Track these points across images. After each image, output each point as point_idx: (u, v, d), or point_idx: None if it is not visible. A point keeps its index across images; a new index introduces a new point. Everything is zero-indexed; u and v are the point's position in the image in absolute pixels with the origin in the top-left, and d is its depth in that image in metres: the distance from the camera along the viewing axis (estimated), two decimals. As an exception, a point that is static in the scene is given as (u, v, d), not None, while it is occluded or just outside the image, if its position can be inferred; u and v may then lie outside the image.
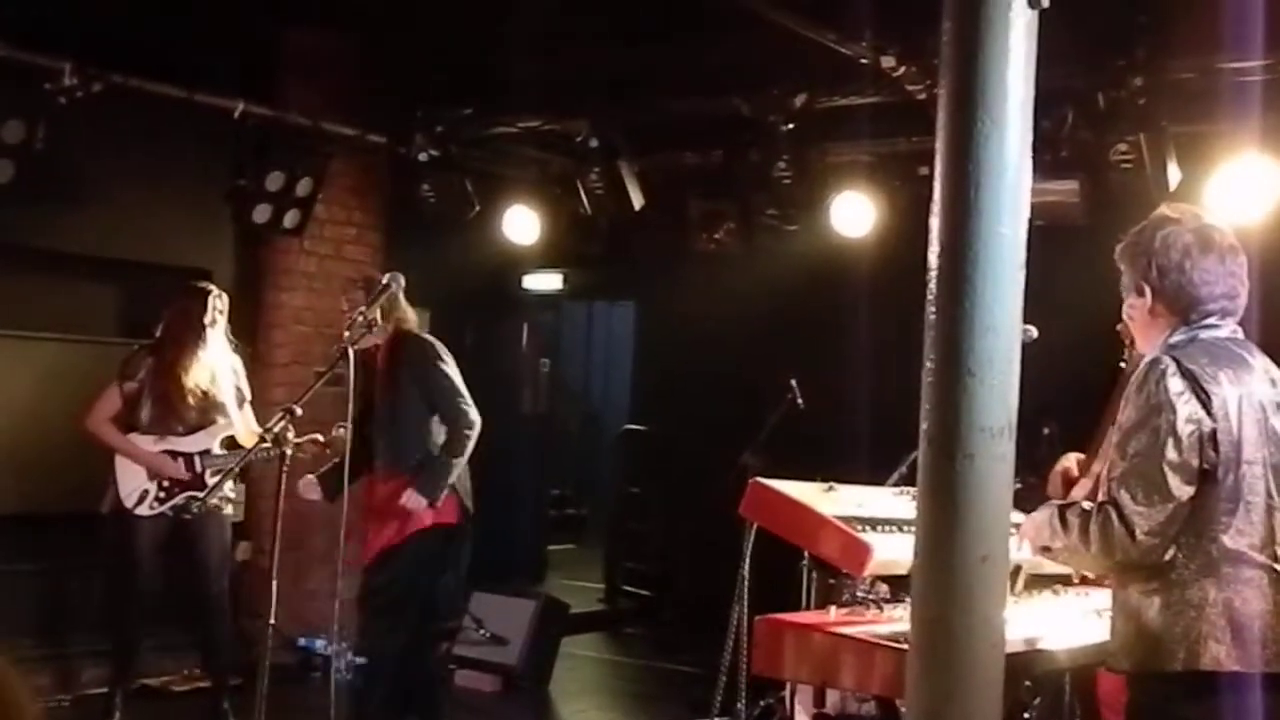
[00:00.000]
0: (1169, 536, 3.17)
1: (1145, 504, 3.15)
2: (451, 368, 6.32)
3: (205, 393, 6.79)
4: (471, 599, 8.54)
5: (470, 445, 6.23)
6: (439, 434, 6.22)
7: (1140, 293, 3.50)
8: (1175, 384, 3.23)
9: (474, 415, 6.25)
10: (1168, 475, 3.16)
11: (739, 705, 5.58)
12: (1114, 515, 3.17)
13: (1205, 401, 3.22)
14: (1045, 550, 3.40)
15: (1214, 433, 3.21)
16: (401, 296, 6.13)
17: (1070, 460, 5.33)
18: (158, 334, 6.84)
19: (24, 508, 7.51)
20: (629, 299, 13.76)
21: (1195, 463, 3.19)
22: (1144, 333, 3.58)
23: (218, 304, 6.87)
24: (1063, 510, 3.35)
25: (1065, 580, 4.39)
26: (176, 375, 6.73)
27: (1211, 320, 3.41)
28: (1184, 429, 3.18)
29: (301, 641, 8.18)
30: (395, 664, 6.31)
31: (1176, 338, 3.41)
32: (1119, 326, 5.08)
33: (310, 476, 6.33)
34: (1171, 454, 3.17)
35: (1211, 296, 3.42)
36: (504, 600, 8.55)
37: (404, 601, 6.28)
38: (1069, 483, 5.37)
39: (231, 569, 7.47)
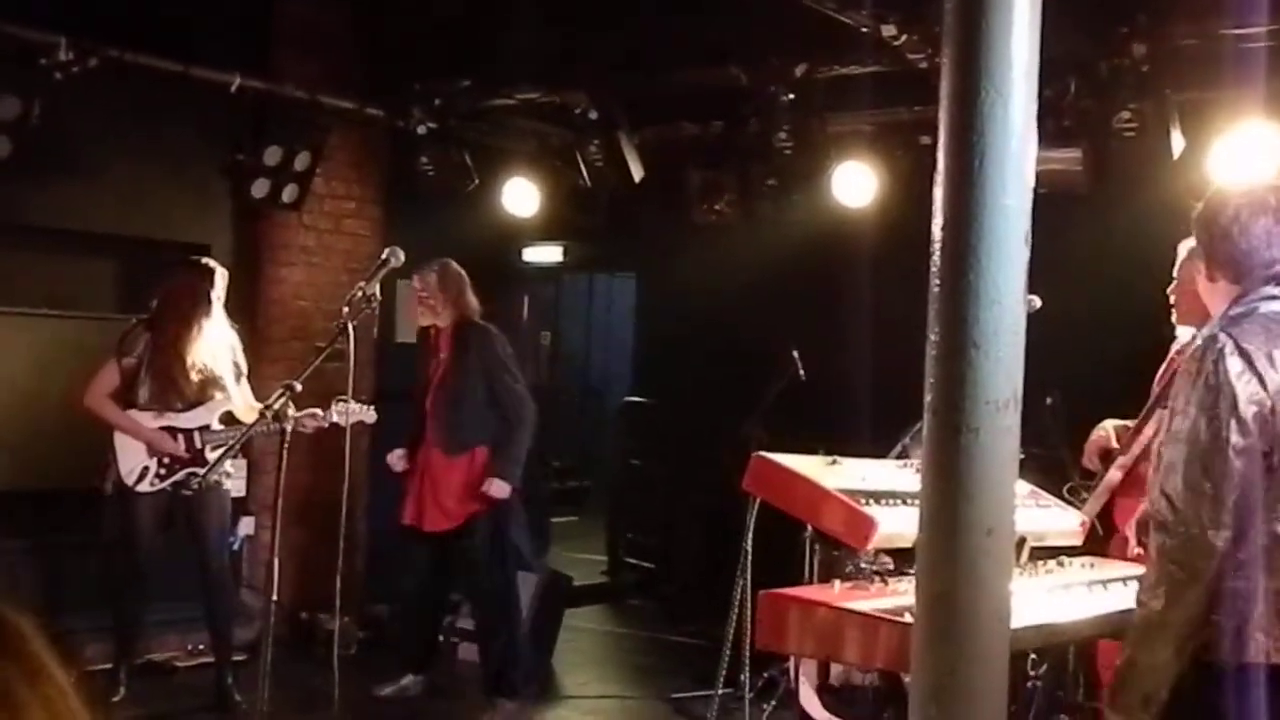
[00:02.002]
0: (1231, 523, 3.06)
1: (1210, 491, 3.05)
2: (511, 358, 7.10)
3: (204, 368, 6.77)
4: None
5: (530, 426, 7.08)
6: (497, 415, 7.00)
7: (1201, 259, 3.44)
8: (1234, 364, 3.12)
9: (531, 401, 7.12)
10: (1232, 460, 3.06)
11: (742, 677, 5.58)
12: (1178, 529, 3.06)
13: (1263, 382, 3.12)
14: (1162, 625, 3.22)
15: (1273, 411, 3.11)
16: (467, 285, 7.06)
17: (1107, 429, 5.31)
18: (154, 309, 6.82)
19: (23, 484, 7.49)
20: (629, 271, 13.72)
21: (1260, 445, 3.09)
22: (1207, 300, 3.49)
23: (219, 280, 6.86)
24: (1138, 600, 3.23)
25: (1070, 551, 4.38)
26: (177, 351, 6.72)
27: (1271, 289, 3.29)
28: (1246, 410, 3.09)
29: (304, 616, 8.18)
30: (518, 610, 7.35)
31: (1235, 310, 3.30)
32: (1169, 289, 5.07)
33: (400, 450, 7.07)
34: (1235, 438, 3.07)
35: (1264, 262, 3.31)
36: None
37: (506, 555, 7.16)
38: (1106, 455, 5.36)
39: (233, 544, 7.48)
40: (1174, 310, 5.13)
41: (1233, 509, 3.06)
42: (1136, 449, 5.30)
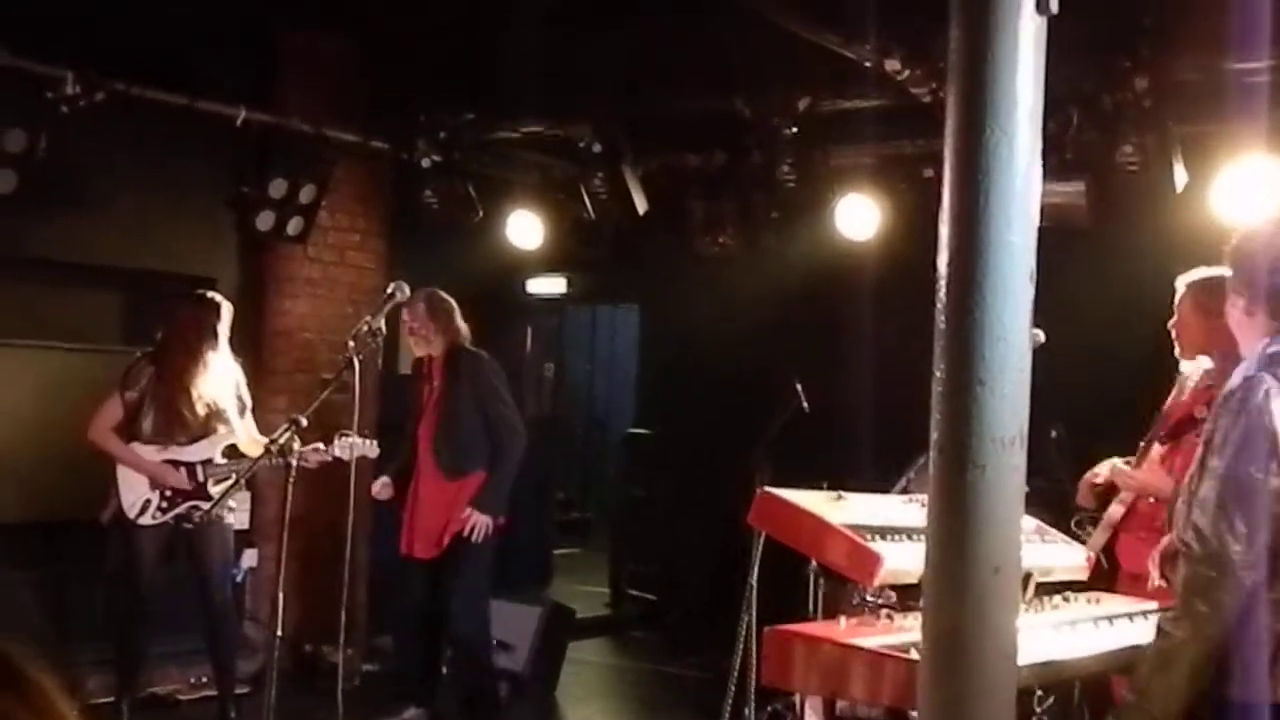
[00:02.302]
0: (1263, 564, 3.06)
1: (1243, 530, 3.03)
2: (504, 383, 7.08)
3: (209, 402, 6.78)
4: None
5: (517, 458, 7.02)
6: (492, 442, 6.97)
7: (1239, 293, 3.42)
8: (1276, 405, 3.11)
9: (522, 430, 7.06)
10: (1268, 501, 3.05)
11: (747, 711, 5.57)
12: (1205, 564, 3.05)
13: None
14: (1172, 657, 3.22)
15: None
16: (456, 312, 7.02)
17: (1103, 470, 5.32)
18: (159, 342, 6.83)
19: (28, 516, 7.49)
20: (633, 302, 13.73)
21: None
22: (1240, 334, 3.48)
23: (225, 314, 6.88)
24: (1159, 628, 3.22)
25: (1075, 587, 4.37)
26: (182, 384, 6.73)
27: None
28: None
29: (308, 649, 8.16)
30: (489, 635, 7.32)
31: (1274, 348, 3.28)
32: (1170, 324, 5.09)
33: (384, 478, 7.03)
34: (1275, 480, 3.06)
35: None
36: (510, 606, 8.53)
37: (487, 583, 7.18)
38: (1098, 491, 5.36)
39: (236, 576, 7.48)
40: (1176, 345, 5.15)
41: (1263, 550, 3.06)
42: (1129, 494, 5.31)
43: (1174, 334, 5.07)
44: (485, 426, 6.98)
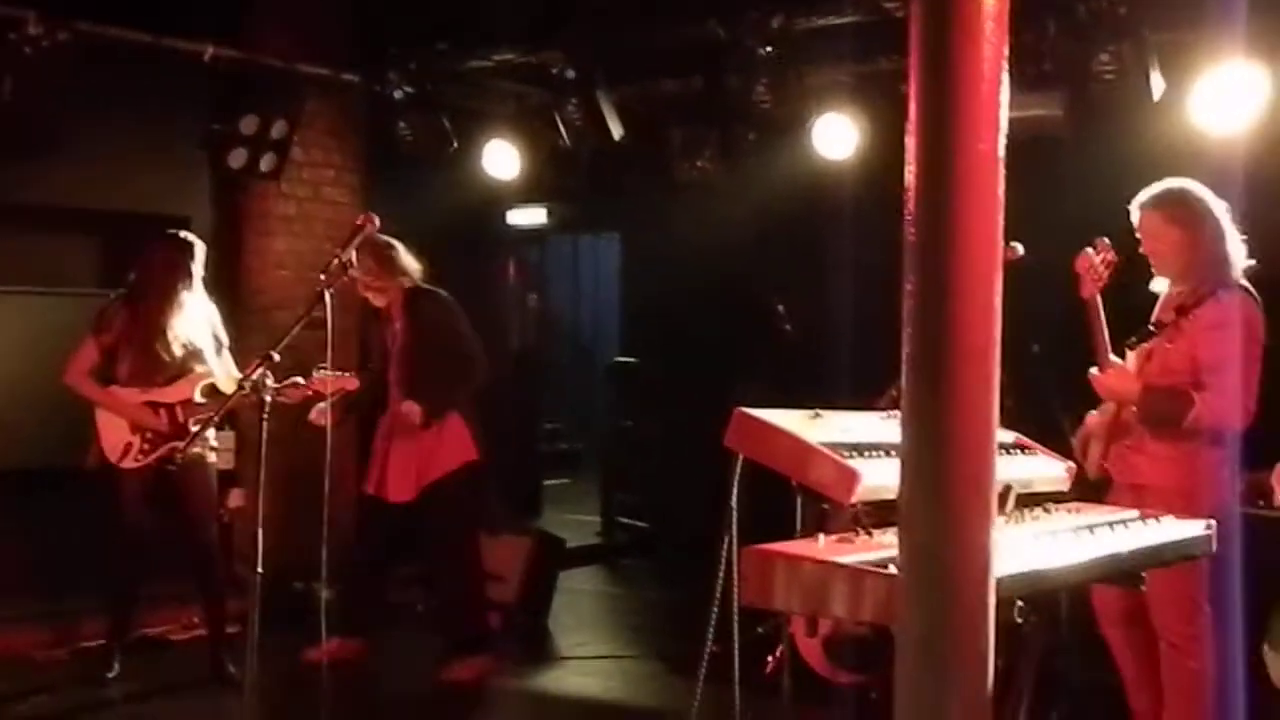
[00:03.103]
0: None
1: None
2: (463, 319, 7.06)
3: (185, 342, 6.74)
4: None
5: (474, 383, 7.03)
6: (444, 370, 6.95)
7: None
8: None
9: (481, 357, 7.05)
10: None
11: (733, 633, 5.57)
12: None
13: None
14: None
15: None
16: (402, 252, 6.96)
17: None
18: (132, 284, 6.77)
19: (11, 463, 7.48)
20: (614, 231, 13.69)
21: None
22: None
23: (198, 253, 6.82)
24: None
25: (1056, 498, 4.37)
26: (157, 325, 6.68)
27: None
28: None
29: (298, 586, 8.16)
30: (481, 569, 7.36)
31: None
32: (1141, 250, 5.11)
33: (322, 404, 6.54)
34: None
35: None
36: (499, 537, 8.55)
37: (474, 516, 7.29)
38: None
39: (222, 517, 7.47)
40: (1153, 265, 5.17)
41: None
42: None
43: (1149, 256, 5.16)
44: (448, 364, 7.00)
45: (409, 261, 7.06)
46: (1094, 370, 5.21)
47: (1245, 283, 5.08)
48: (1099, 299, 5.20)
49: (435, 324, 7.02)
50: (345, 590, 7.22)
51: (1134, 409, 5.14)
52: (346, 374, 6.36)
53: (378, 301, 7.11)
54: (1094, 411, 5.43)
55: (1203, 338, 4.96)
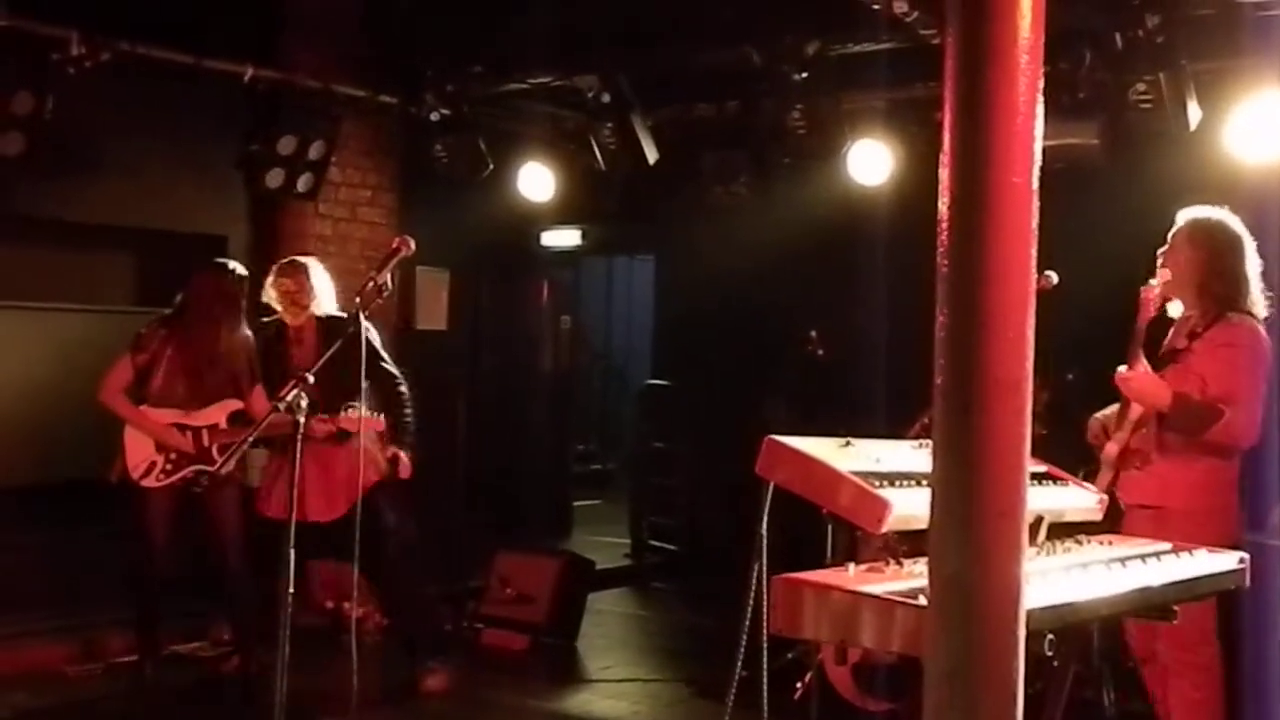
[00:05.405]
0: None
1: None
2: (375, 336, 6.54)
3: (222, 370, 6.80)
4: (496, 557, 8.57)
5: (410, 401, 6.85)
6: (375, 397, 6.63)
7: None
8: None
9: (399, 374, 6.85)
10: None
11: (763, 660, 5.55)
12: None
13: None
14: None
15: None
16: (314, 278, 6.81)
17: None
18: (178, 306, 6.83)
19: (45, 478, 7.53)
20: (648, 253, 13.70)
21: None
22: None
23: (243, 284, 6.88)
24: None
25: (1088, 530, 4.35)
26: (195, 350, 6.75)
27: None
28: None
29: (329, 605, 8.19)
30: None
31: None
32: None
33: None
34: None
35: None
36: (529, 558, 8.56)
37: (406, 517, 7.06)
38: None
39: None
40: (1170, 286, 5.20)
41: None
42: (1130, 425, 5.31)
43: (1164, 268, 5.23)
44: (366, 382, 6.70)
45: (322, 288, 6.92)
46: (1122, 369, 5.19)
47: (1260, 313, 5.11)
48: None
49: (346, 343, 6.78)
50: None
51: (1154, 424, 5.16)
52: (377, 415, 6.37)
53: (296, 319, 6.90)
54: (1100, 416, 5.45)
55: (1212, 355, 5.02)
